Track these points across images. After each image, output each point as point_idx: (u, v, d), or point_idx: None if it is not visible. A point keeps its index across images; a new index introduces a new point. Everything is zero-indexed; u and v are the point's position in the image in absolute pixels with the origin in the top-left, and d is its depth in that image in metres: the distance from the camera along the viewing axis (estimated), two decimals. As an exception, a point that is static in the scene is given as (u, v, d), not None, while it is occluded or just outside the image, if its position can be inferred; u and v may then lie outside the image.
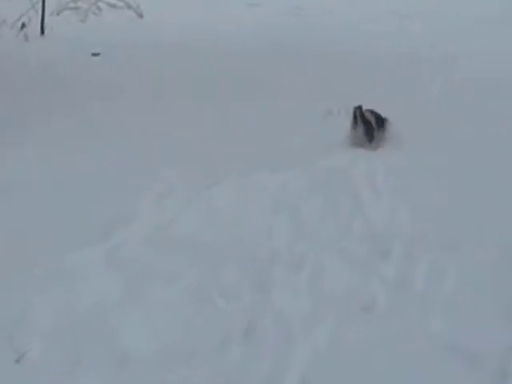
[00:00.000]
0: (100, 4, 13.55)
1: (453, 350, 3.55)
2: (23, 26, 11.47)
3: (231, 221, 5.03)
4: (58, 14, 12.99)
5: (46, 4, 11.92)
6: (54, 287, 4.03)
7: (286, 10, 13.79)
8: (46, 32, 11.57)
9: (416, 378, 3.42)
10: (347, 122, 6.62)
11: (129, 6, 13.52)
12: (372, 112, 6.46)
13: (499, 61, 9.77)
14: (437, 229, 4.92)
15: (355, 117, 6.43)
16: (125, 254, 4.45)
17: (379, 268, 4.39)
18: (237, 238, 4.72)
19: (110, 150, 6.16)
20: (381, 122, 6.46)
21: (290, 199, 5.51)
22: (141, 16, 13.38)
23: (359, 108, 6.44)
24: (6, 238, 4.55)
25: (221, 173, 5.81)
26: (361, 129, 6.35)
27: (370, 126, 6.40)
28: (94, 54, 10.01)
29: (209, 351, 3.52)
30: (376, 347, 3.57)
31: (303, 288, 4.14)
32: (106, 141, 6.44)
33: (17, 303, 3.83)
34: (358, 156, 6.35)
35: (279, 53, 10.30)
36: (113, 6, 13.56)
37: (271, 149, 6.35)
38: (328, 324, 3.75)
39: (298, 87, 8.31)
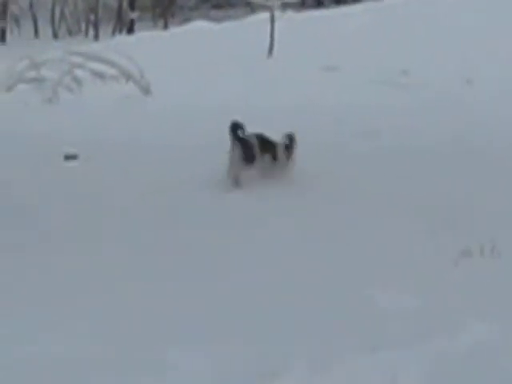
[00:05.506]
0: (79, 73, 10.74)
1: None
2: None
3: None
4: (8, 89, 10.60)
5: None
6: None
7: (384, 76, 10.71)
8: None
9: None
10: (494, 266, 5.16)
11: (128, 76, 10.62)
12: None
13: None
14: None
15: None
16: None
17: None
18: None
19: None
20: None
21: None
22: (147, 92, 10.42)
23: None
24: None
25: (279, 355, 3.94)
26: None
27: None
28: (68, 157, 7.90)
29: None
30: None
31: None
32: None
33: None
34: None
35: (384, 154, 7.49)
36: (100, 75, 10.70)
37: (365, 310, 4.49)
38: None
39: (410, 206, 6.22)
